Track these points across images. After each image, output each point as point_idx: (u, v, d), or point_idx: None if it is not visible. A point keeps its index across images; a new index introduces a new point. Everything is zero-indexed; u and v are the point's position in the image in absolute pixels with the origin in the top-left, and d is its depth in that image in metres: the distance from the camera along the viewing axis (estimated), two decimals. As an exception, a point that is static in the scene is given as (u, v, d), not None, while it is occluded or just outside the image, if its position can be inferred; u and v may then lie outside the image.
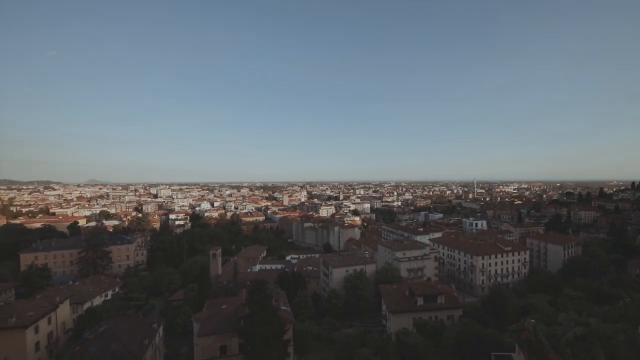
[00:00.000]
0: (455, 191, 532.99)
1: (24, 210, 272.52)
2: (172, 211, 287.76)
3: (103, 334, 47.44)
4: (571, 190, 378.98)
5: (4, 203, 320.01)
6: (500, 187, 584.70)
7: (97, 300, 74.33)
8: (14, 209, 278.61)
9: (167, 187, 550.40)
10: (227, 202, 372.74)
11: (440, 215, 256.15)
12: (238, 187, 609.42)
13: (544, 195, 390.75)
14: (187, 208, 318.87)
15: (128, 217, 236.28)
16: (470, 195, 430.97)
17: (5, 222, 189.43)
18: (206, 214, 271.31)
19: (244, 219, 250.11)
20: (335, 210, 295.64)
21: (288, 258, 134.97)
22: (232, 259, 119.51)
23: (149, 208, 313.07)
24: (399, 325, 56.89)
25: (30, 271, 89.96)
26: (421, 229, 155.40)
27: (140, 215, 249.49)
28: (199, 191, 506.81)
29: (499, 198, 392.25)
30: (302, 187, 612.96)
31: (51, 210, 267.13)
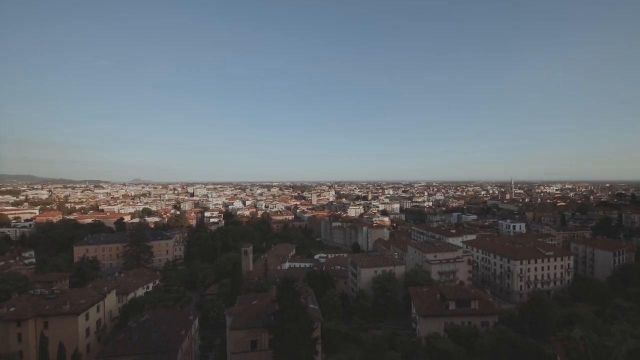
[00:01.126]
0: (491, 192, 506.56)
1: (77, 207, 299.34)
2: (207, 209, 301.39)
3: (145, 323, 51.03)
4: (623, 192, 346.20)
5: (61, 201, 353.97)
6: (541, 187, 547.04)
7: (140, 292, 79.70)
8: (69, 206, 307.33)
9: (203, 186, 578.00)
10: (258, 201, 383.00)
11: (475, 217, 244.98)
12: (269, 187, 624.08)
13: (591, 197, 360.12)
14: (221, 206, 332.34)
15: (168, 214, 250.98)
16: (508, 196, 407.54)
17: (61, 218, 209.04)
18: (238, 213, 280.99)
19: (274, 217, 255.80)
20: (364, 210, 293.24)
21: (317, 257, 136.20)
22: (263, 256, 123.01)
23: (186, 206, 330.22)
24: (429, 330, 55.68)
25: (82, 263, 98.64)
26: (454, 231, 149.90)
27: (178, 213, 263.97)
28: (232, 190, 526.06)
29: (539, 199, 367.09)
30: (330, 187, 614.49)
31: (100, 208, 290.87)
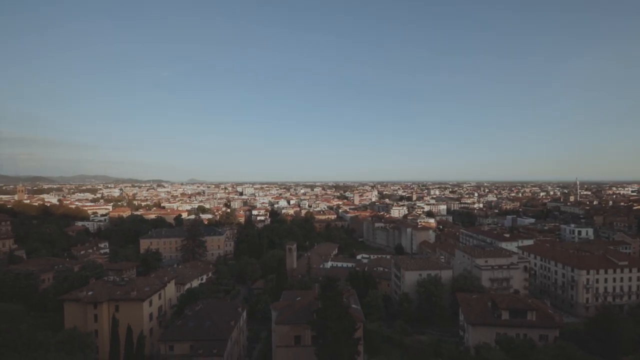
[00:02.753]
0: (551, 192, 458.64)
1: (143, 204, 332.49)
2: (254, 207, 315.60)
3: (199, 312, 55.51)
4: None
5: (129, 198, 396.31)
6: (613, 188, 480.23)
7: (195, 283, 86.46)
8: (136, 202, 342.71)
9: (251, 185, 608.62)
10: (301, 200, 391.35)
11: (532, 220, 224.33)
12: (312, 186, 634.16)
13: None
14: (267, 205, 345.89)
15: (219, 212, 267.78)
16: (572, 198, 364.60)
17: (130, 213, 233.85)
18: (283, 211, 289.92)
19: (316, 216, 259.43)
20: (408, 211, 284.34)
21: (359, 257, 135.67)
22: (306, 254, 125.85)
23: (235, 204, 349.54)
24: (479, 339, 52.80)
25: (146, 254, 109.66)
26: (507, 235, 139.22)
27: (228, 210, 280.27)
28: (277, 190, 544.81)
29: (610, 202, 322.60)
30: (373, 187, 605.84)
31: (162, 205, 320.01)
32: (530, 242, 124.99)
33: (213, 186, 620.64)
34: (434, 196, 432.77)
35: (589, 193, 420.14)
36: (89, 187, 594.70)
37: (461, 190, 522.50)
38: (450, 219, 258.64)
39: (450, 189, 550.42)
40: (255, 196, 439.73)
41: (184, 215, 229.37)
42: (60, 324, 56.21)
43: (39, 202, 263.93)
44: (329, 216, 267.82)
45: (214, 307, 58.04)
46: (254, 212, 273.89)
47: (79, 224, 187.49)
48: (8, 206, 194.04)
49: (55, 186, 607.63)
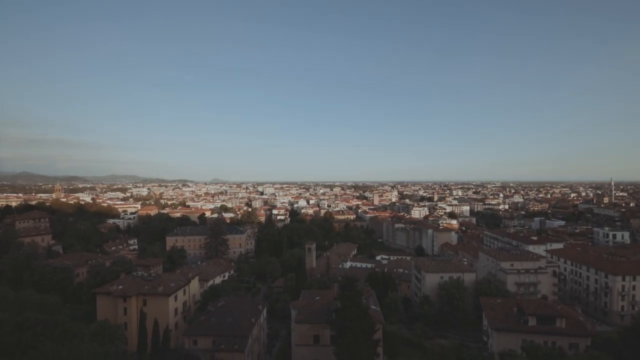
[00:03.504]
0: (583, 194, 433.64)
1: (169, 202, 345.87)
2: (274, 207, 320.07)
3: (221, 308, 57.08)
4: None
5: (156, 197, 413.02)
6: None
7: (217, 280, 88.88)
8: (163, 201, 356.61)
9: (271, 185, 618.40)
10: (320, 200, 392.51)
11: (562, 223, 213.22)
12: (331, 186, 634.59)
13: None
14: (286, 205, 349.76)
15: (240, 211, 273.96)
16: (606, 199, 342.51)
17: (157, 212, 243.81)
18: (302, 211, 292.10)
19: (335, 216, 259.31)
20: (429, 211, 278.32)
21: (378, 258, 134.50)
22: (325, 254, 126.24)
23: (256, 204, 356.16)
24: (503, 345, 51.14)
25: (172, 251, 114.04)
26: (535, 238, 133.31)
27: (249, 209, 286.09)
28: (296, 189, 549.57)
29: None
30: (393, 187, 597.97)
31: (187, 203, 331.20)
32: (560, 245, 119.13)
33: (235, 186, 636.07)
34: (457, 197, 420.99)
35: (625, 194, 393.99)
36: (119, 186, 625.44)
37: (485, 191, 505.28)
38: (473, 220, 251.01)
39: (474, 190, 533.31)
40: (276, 196, 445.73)
41: (208, 214, 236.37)
42: (93, 315, 59.37)
43: (75, 200, 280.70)
44: (348, 216, 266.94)
45: (235, 304, 59.50)
46: (274, 212, 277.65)
47: (111, 221, 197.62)
48: (47, 204, 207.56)
49: (89, 186, 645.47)
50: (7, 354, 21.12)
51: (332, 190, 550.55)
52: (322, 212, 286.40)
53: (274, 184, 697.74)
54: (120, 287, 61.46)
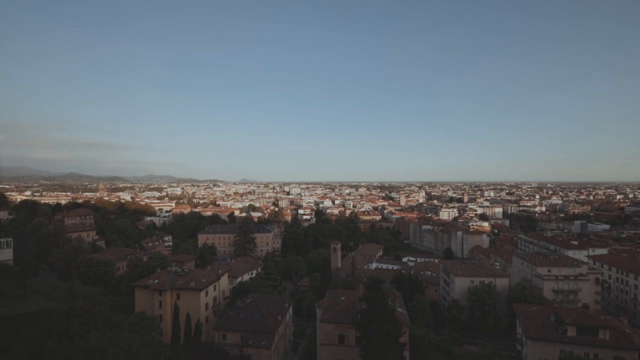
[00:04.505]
0: (630, 195, 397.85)
1: (201, 201, 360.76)
2: (300, 207, 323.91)
3: (249, 304, 58.78)
4: None
5: (189, 196, 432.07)
6: None
7: (246, 277, 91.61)
8: (195, 200, 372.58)
9: (297, 185, 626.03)
10: (346, 200, 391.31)
11: (606, 227, 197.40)
12: (356, 187, 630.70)
13: None
14: (312, 204, 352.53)
15: (268, 210, 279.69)
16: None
17: (190, 210, 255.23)
18: (328, 211, 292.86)
19: (361, 217, 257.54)
20: (459, 213, 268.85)
21: (405, 260, 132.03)
22: (351, 254, 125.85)
23: (283, 203, 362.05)
24: (539, 355, 48.67)
25: (204, 248, 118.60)
26: (575, 242, 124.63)
27: (276, 209, 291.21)
28: (322, 190, 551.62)
29: None
30: (420, 188, 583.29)
31: (217, 202, 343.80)
32: (603, 251, 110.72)
33: (262, 186, 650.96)
34: (488, 198, 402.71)
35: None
36: (156, 186, 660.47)
37: (520, 192, 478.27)
38: (506, 223, 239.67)
39: (507, 191, 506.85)
40: (302, 196, 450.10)
41: (237, 212, 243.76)
42: (131, 307, 63.17)
43: (116, 199, 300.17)
44: (374, 217, 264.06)
45: (263, 301, 60.96)
46: (300, 211, 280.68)
47: (148, 219, 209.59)
48: (92, 202, 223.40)
49: (129, 185, 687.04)
50: (56, 339, 23.08)
51: (357, 190, 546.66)
52: (348, 212, 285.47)
53: (300, 184, 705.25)
54: (156, 281, 64.84)
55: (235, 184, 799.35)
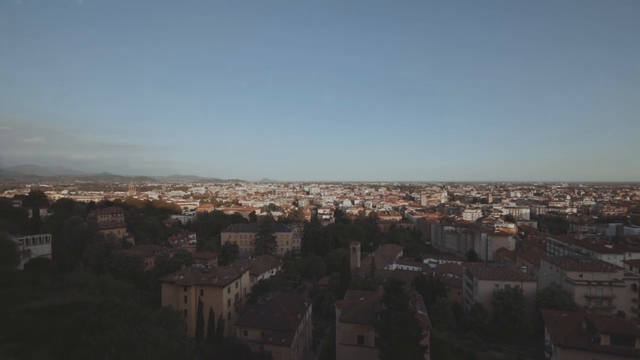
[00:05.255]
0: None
1: (223, 200, 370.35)
2: (320, 206, 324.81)
3: (270, 302, 59.87)
4: None
5: (212, 195, 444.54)
6: None
7: (266, 275, 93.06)
8: (218, 199, 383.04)
9: (317, 185, 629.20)
10: (365, 200, 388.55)
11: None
12: (376, 187, 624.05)
13: None
14: (331, 204, 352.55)
15: (288, 209, 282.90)
16: None
17: (213, 209, 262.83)
18: (347, 211, 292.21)
19: (381, 217, 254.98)
20: (483, 214, 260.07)
21: (426, 261, 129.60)
22: (370, 254, 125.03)
23: (302, 203, 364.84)
24: (568, 364, 46.47)
25: (226, 246, 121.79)
26: (610, 246, 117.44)
27: (296, 208, 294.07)
28: (341, 189, 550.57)
29: None
30: (442, 188, 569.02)
31: (239, 202, 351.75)
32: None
33: (282, 185, 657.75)
34: (515, 198, 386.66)
35: None
36: (181, 185, 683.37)
37: (549, 193, 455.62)
38: (534, 224, 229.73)
39: (535, 191, 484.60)
40: (321, 195, 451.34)
41: (258, 212, 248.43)
42: (158, 301, 65.85)
43: (144, 198, 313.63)
44: (394, 217, 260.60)
45: (283, 299, 61.91)
46: (320, 211, 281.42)
47: (174, 217, 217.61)
48: (122, 201, 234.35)
49: (156, 185, 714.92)
50: (89, 331, 24.36)
51: (377, 190, 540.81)
52: (367, 212, 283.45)
53: (319, 183, 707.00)
54: (181, 277, 67.35)
55: (256, 183, 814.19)
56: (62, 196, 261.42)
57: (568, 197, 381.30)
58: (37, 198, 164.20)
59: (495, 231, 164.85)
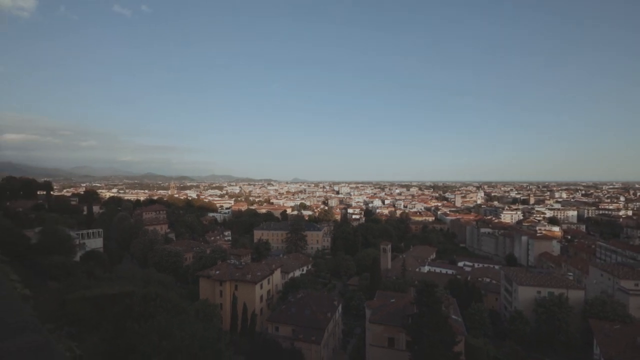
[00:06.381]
0: None
1: (256, 199, 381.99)
2: (349, 206, 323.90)
3: (300, 300, 61.11)
4: None
5: (246, 194, 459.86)
6: None
7: (297, 273, 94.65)
8: (251, 198, 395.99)
9: (347, 184, 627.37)
10: (396, 200, 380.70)
11: None
12: (407, 186, 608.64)
13: None
14: (361, 204, 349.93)
15: (318, 209, 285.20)
16: None
17: (247, 208, 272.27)
18: (377, 211, 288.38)
19: (412, 217, 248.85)
20: (523, 216, 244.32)
21: (460, 264, 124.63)
22: (401, 255, 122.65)
23: (332, 202, 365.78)
24: (620, 380, 42.80)
25: (259, 243, 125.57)
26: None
27: (326, 208, 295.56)
28: (371, 189, 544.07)
29: None
30: (478, 188, 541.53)
31: (271, 201, 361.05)
32: None
33: (313, 185, 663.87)
34: (559, 199, 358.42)
35: None
36: (217, 185, 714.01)
37: (599, 193, 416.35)
38: (582, 228, 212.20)
39: (583, 192, 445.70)
40: (351, 195, 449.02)
41: (289, 211, 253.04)
42: (196, 295, 69.47)
43: (184, 196, 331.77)
44: (426, 218, 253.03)
45: (313, 297, 62.91)
46: (349, 211, 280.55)
47: (210, 214, 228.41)
48: (164, 199, 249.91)
49: (194, 184, 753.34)
50: (135, 319, 26.36)
51: (408, 190, 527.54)
52: (398, 212, 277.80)
53: (349, 183, 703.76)
54: (217, 272, 70.70)
55: (287, 183, 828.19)
56: (112, 194, 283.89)
57: (622, 198, 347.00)
58: (91, 196, 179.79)
59: (538, 234, 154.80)
